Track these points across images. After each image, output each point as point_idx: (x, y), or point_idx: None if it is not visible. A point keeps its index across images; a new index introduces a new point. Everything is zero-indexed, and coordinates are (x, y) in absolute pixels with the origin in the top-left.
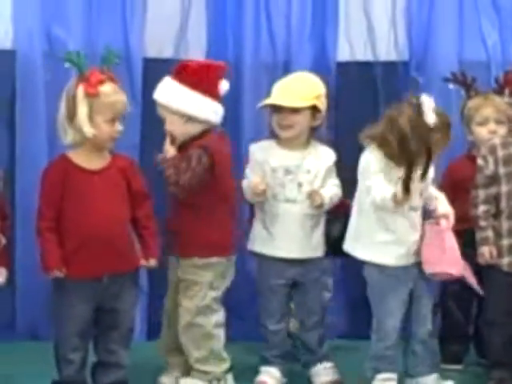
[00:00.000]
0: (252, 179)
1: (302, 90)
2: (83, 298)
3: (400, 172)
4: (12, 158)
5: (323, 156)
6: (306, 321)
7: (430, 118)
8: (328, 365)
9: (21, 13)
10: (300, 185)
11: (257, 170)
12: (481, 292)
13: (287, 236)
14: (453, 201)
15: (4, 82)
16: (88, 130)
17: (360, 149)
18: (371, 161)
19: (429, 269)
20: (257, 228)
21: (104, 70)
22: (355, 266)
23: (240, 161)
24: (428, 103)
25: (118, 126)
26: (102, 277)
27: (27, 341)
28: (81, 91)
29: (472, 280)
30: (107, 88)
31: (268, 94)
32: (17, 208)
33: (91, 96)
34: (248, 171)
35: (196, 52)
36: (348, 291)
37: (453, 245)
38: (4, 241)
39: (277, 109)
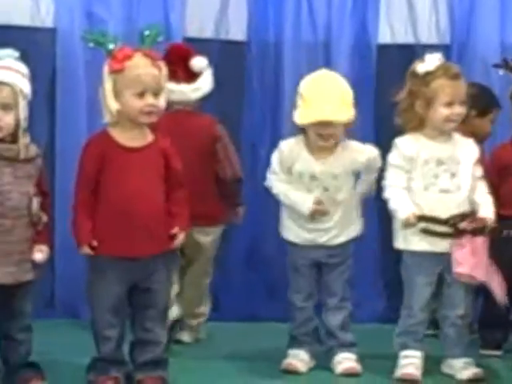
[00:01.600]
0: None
1: (343, 96)
2: (117, 276)
3: None
4: (52, 136)
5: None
6: (327, 302)
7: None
8: (350, 355)
9: None
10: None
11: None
12: (503, 301)
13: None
14: (498, 187)
15: (45, 60)
16: (112, 106)
17: (399, 131)
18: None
19: (455, 267)
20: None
21: (139, 47)
22: (394, 251)
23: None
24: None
25: (149, 100)
26: (136, 256)
27: (66, 319)
28: (106, 68)
29: (497, 289)
30: (134, 62)
31: (308, 73)
32: (56, 186)
33: (116, 72)
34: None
35: (236, 31)
36: (387, 276)
37: (483, 250)
38: (45, 218)
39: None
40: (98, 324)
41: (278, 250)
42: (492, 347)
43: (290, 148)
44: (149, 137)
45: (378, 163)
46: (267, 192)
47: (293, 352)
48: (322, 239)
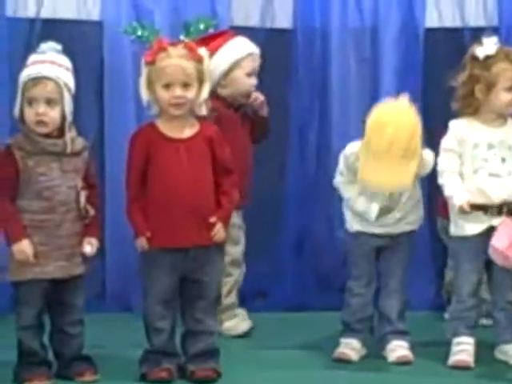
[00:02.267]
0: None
1: (414, 146)
2: (168, 268)
3: None
4: (101, 129)
5: None
6: (389, 283)
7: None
8: (403, 343)
9: None
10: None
11: None
12: None
13: None
14: None
15: (92, 53)
16: (144, 96)
17: (448, 116)
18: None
19: (493, 240)
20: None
21: (181, 40)
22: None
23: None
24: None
25: (176, 91)
26: (186, 247)
27: (118, 312)
28: (142, 60)
29: None
30: (166, 54)
31: (355, 59)
32: (106, 179)
33: (148, 63)
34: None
35: (282, 19)
36: (438, 263)
37: None
38: (92, 212)
39: None
40: (149, 316)
41: (328, 239)
42: None
43: (354, 152)
44: (195, 126)
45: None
46: (316, 178)
47: (345, 341)
48: (386, 229)
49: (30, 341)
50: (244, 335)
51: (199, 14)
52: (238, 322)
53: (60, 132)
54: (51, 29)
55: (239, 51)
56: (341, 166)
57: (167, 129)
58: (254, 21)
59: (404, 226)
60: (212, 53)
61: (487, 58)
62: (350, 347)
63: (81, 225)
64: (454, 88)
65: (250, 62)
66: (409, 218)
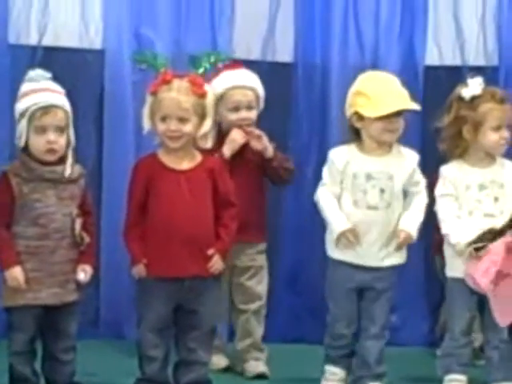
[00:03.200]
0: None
1: (405, 92)
2: (163, 297)
3: None
4: (99, 157)
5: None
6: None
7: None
8: None
9: (111, 13)
10: (382, 191)
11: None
12: (502, 323)
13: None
14: None
15: (93, 81)
16: (145, 127)
17: (445, 158)
18: None
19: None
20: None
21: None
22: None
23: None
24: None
25: (171, 125)
26: (183, 278)
27: (111, 339)
28: (147, 89)
29: (498, 309)
30: (168, 86)
31: None
32: (103, 207)
33: (151, 94)
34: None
35: (283, 53)
36: (432, 299)
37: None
38: (88, 239)
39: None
40: (142, 344)
41: (323, 274)
42: None
43: (341, 153)
44: (197, 158)
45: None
46: (312, 213)
47: (329, 369)
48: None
49: (22, 366)
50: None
51: (208, 48)
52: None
53: (59, 159)
54: (53, 56)
55: (222, 85)
56: (324, 176)
57: (168, 159)
58: (255, 54)
59: (387, 260)
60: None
61: (473, 98)
62: (335, 377)
63: (75, 252)
64: (440, 129)
65: (232, 96)
66: (392, 251)
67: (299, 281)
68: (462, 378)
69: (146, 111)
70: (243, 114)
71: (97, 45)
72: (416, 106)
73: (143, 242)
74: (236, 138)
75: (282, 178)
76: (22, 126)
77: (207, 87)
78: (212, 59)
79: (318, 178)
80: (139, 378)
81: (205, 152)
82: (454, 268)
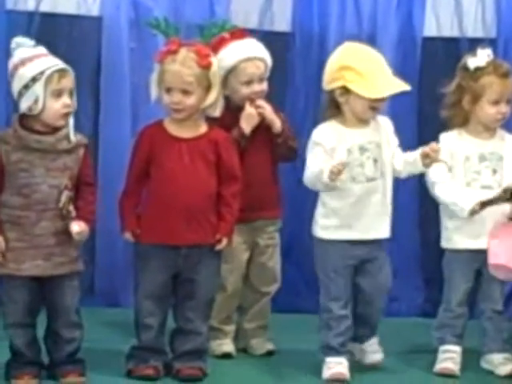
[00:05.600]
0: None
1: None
2: (161, 264)
3: None
4: (96, 125)
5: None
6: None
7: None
8: (376, 340)
9: None
10: (376, 161)
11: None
12: None
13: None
14: None
15: (90, 49)
16: (153, 95)
17: (443, 126)
18: None
19: (492, 259)
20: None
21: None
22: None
23: None
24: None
25: (174, 97)
26: (176, 244)
27: (106, 307)
28: (155, 57)
29: None
30: (173, 57)
31: None
32: (99, 175)
33: (158, 62)
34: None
35: (281, 23)
36: (426, 270)
37: None
38: (74, 213)
39: None
40: (139, 312)
41: None
42: None
43: (326, 131)
44: (201, 128)
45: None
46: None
47: (335, 359)
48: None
49: (18, 340)
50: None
51: (206, 17)
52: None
53: (53, 128)
54: (50, 23)
55: (231, 58)
56: (311, 160)
57: (173, 128)
58: (252, 23)
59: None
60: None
61: (477, 69)
62: (343, 366)
63: (62, 225)
64: (444, 95)
65: (245, 69)
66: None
67: (294, 252)
68: (457, 348)
69: (153, 79)
70: (256, 87)
71: (94, 12)
72: (408, 87)
73: (142, 210)
74: (253, 113)
75: (284, 155)
76: (37, 90)
77: (213, 58)
78: (219, 28)
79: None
80: (134, 346)
81: (222, 127)
82: (453, 240)
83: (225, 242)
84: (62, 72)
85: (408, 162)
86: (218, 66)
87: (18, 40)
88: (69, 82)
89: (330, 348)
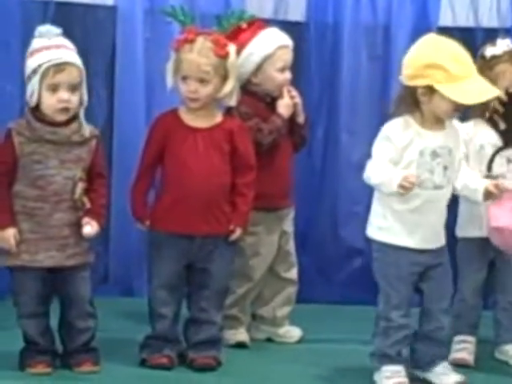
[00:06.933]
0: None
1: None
2: (174, 254)
3: None
4: (110, 115)
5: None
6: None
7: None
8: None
9: None
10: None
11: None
12: None
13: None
14: None
15: (105, 38)
16: (168, 83)
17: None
18: None
19: (491, 223)
20: None
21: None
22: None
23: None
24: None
25: (190, 86)
26: (194, 235)
27: (120, 296)
28: (172, 45)
29: None
30: (191, 46)
31: (367, 55)
32: (114, 165)
33: (175, 51)
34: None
35: (295, 12)
36: None
37: None
38: (88, 204)
39: None
40: (153, 301)
41: (332, 234)
42: None
43: (399, 129)
44: (217, 118)
45: None
46: (323, 173)
47: (393, 368)
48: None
49: (31, 330)
50: None
51: (222, 6)
52: None
53: (67, 120)
54: (64, 12)
55: (268, 46)
56: (379, 153)
57: (188, 117)
58: (267, 13)
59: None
60: (242, 47)
61: (493, 57)
62: (401, 375)
63: (75, 216)
64: None
65: (281, 56)
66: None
67: (309, 241)
68: (471, 339)
69: (169, 67)
70: (288, 74)
71: (109, 1)
72: (497, 92)
73: (157, 198)
74: (290, 102)
75: (298, 144)
76: (34, 83)
77: (231, 47)
78: (237, 19)
79: (328, 138)
80: (149, 336)
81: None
82: (466, 228)
83: (238, 231)
84: (59, 66)
85: (468, 187)
86: (235, 55)
87: (42, 29)
88: (67, 76)
89: (387, 356)
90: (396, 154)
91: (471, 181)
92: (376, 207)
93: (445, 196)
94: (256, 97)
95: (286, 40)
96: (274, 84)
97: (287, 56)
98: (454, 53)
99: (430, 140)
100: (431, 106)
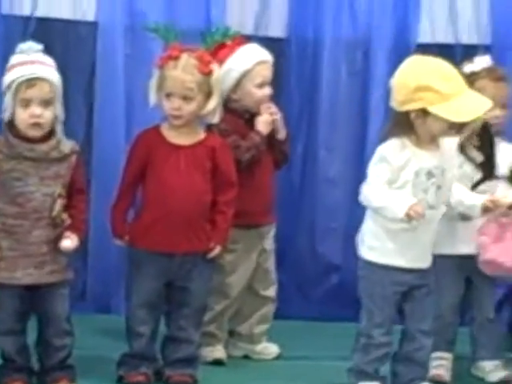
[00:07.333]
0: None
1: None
2: (154, 272)
3: None
4: (89, 131)
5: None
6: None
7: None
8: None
9: None
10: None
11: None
12: None
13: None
14: None
15: (85, 54)
16: (151, 100)
17: None
18: None
19: (482, 255)
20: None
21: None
22: None
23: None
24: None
25: (174, 103)
26: (174, 253)
27: (98, 313)
28: (155, 62)
29: None
30: (175, 63)
31: (347, 71)
32: (92, 181)
33: (158, 68)
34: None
35: (276, 28)
36: None
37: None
38: (68, 221)
39: None
40: (131, 319)
41: (310, 250)
42: None
43: (396, 150)
44: (199, 135)
45: None
46: (302, 189)
47: None
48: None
49: (8, 347)
50: None
51: (202, 23)
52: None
53: (44, 136)
54: (46, 28)
55: (247, 61)
56: (374, 177)
57: (170, 134)
58: (248, 29)
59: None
60: (221, 63)
61: (472, 74)
62: None
63: (54, 233)
64: None
65: (260, 71)
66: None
67: (287, 257)
68: (448, 355)
69: (153, 84)
70: (267, 90)
71: (90, 17)
72: (490, 103)
73: (137, 216)
74: (269, 119)
75: (279, 162)
76: (8, 98)
77: (214, 65)
78: (221, 35)
79: (306, 154)
80: (126, 353)
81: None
82: (442, 245)
83: (218, 249)
84: (30, 81)
85: (463, 203)
86: (219, 72)
87: (23, 46)
88: (39, 91)
89: (364, 373)
90: (392, 174)
91: (467, 197)
92: (368, 226)
93: (437, 216)
94: (235, 113)
95: (265, 55)
96: (252, 100)
97: (266, 72)
98: (442, 71)
99: (426, 160)
100: (426, 127)
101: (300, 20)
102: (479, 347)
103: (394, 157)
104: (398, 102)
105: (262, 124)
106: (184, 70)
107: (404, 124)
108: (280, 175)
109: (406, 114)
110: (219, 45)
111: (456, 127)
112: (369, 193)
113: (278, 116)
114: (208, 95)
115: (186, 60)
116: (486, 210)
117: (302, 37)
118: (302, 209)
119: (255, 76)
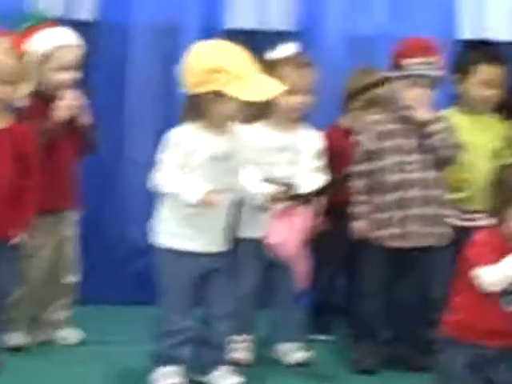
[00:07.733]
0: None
1: None
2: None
3: None
4: None
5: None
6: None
7: None
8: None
9: None
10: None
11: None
12: (300, 284)
13: None
14: None
15: None
16: None
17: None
18: None
19: (268, 237)
20: None
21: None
22: None
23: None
24: None
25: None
26: None
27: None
28: None
29: (300, 273)
30: None
31: (155, 55)
32: None
33: None
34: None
35: (86, 12)
36: None
37: (299, 228)
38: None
39: None
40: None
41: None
42: (323, 332)
43: (187, 134)
44: (5, 120)
45: None
46: (109, 173)
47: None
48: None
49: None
50: None
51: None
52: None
53: None
54: None
55: (45, 44)
56: (167, 160)
57: None
58: (57, 11)
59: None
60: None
61: (274, 61)
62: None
63: None
64: None
65: (61, 55)
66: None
67: (93, 242)
68: (249, 338)
69: None
70: (69, 74)
71: None
72: (284, 88)
73: None
74: (68, 103)
75: (83, 149)
76: None
77: (27, 48)
78: (36, 20)
79: (114, 139)
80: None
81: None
82: (244, 229)
83: (19, 235)
84: None
85: (248, 191)
86: (32, 56)
87: None
88: None
89: (165, 357)
90: (184, 158)
91: (252, 185)
92: (161, 212)
93: (227, 201)
94: (36, 97)
95: (67, 39)
96: (51, 84)
97: (68, 55)
98: (233, 54)
99: (217, 145)
100: (219, 110)
101: (109, 3)
102: (280, 329)
103: (186, 141)
104: (190, 85)
105: (61, 109)
106: (6, 55)
107: (196, 108)
108: (87, 161)
109: (199, 97)
110: (30, 28)
111: (245, 111)
112: (160, 178)
113: (82, 101)
114: (21, 79)
115: (3, 43)
116: (274, 199)
117: (112, 20)
118: (108, 194)
119: (54, 59)
